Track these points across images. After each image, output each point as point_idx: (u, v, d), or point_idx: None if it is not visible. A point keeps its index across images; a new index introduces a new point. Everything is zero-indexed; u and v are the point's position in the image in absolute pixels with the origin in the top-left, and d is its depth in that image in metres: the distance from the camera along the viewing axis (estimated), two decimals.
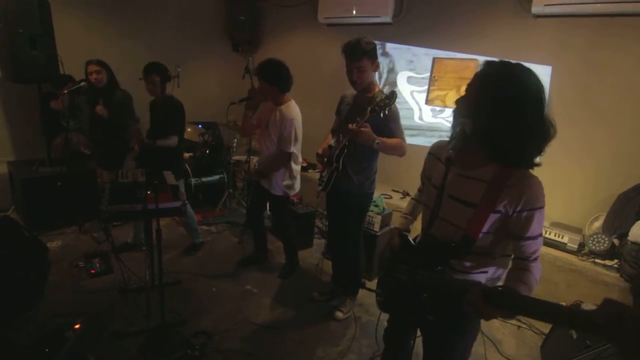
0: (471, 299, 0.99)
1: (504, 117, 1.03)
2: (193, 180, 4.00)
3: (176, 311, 2.40)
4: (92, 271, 2.83)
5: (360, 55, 2.10)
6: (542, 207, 1.08)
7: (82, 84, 3.14)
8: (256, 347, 2.25)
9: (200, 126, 4.54)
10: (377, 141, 2.03)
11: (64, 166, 3.42)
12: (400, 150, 2.18)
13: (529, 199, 1.07)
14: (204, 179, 4.22)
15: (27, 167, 3.50)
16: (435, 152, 1.35)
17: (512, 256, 1.19)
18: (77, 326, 2.17)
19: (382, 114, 1.98)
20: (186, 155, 4.40)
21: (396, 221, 1.61)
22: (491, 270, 1.22)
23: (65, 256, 3.02)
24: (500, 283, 1.25)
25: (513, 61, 1.09)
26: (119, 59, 3.57)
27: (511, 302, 0.96)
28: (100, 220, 2.14)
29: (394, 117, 2.13)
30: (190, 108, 4.72)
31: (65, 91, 3.16)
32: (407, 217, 1.56)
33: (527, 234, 1.09)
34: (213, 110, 4.85)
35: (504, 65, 1.08)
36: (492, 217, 1.10)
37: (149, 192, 1.96)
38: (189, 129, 4.23)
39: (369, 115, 2.00)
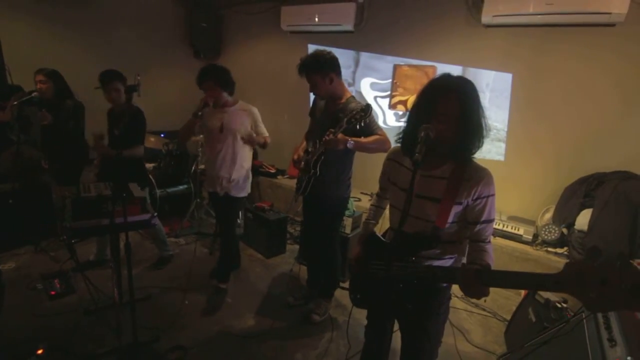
0: (467, 280, 1.09)
1: (456, 123, 1.18)
2: (158, 192, 3.87)
3: (148, 327, 2.32)
4: (52, 292, 2.66)
5: (303, 71, 2.21)
6: (494, 195, 1.26)
7: (34, 94, 2.95)
8: (234, 357, 2.23)
9: (163, 135, 4.41)
10: (350, 141, 2.10)
11: (15, 182, 3.19)
12: (382, 144, 2.18)
13: (483, 188, 1.23)
14: (169, 190, 4.09)
15: None
16: (394, 157, 1.45)
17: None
18: (39, 351, 2.05)
19: (357, 126, 2.04)
20: (149, 165, 4.27)
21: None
22: (456, 256, 1.38)
23: (20, 278, 2.82)
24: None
25: (455, 74, 1.25)
26: (72, 68, 3.38)
27: (496, 277, 1.09)
28: (67, 237, 2.03)
29: (369, 123, 2.16)
30: (152, 117, 4.57)
31: (15, 102, 2.96)
32: (371, 222, 1.66)
33: (483, 218, 1.26)
34: (176, 118, 4.70)
35: (448, 79, 1.23)
36: (456, 209, 1.25)
37: (116, 206, 1.89)
38: (152, 139, 4.11)
39: (345, 127, 2.06)
